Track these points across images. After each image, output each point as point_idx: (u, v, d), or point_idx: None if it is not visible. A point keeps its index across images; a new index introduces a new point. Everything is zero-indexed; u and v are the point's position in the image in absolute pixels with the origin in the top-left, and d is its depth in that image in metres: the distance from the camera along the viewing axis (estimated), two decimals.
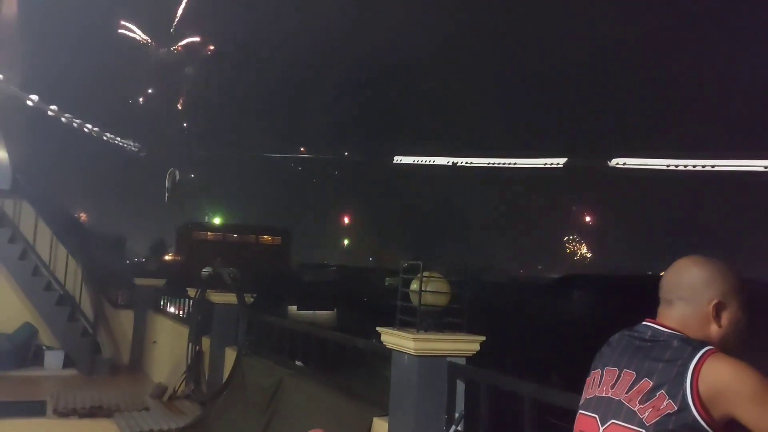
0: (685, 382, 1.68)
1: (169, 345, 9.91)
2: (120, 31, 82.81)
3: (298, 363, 6.40)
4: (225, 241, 65.02)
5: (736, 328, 1.86)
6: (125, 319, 11.71)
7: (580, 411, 1.94)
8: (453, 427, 3.81)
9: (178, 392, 8.37)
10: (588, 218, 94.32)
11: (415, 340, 3.87)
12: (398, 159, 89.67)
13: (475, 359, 4.03)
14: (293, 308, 42.09)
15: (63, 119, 13.90)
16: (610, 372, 1.87)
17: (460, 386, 3.97)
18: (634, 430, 1.72)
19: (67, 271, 11.15)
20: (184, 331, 8.84)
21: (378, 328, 4.21)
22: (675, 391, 1.69)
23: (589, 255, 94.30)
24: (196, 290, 8.52)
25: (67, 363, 10.47)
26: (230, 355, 7.61)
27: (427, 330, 3.94)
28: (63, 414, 7.42)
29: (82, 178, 65.23)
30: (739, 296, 1.86)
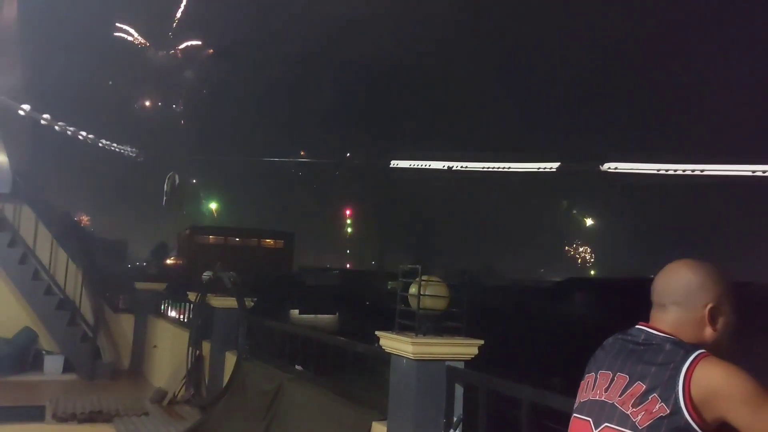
0: (678, 385, 1.68)
1: (169, 349, 9.90)
2: (116, 34, 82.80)
3: (297, 367, 6.40)
4: (227, 245, 65.01)
5: (728, 331, 1.87)
6: (125, 324, 11.71)
7: (574, 414, 1.94)
8: (451, 431, 3.80)
9: (178, 397, 8.36)
10: (585, 221, 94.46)
11: (413, 344, 3.86)
12: (395, 163, 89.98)
13: (476, 363, 4.03)
14: (295, 312, 42.06)
15: (56, 127, 13.86)
16: (604, 375, 1.88)
17: (459, 390, 3.96)
18: None
19: (68, 275, 11.15)
20: (185, 335, 8.83)
21: (377, 332, 4.21)
22: (667, 394, 1.69)
23: (588, 258, 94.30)
24: (196, 294, 8.52)
25: (67, 368, 10.47)
26: (230, 360, 7.60)
27: (425, 334, 3.94)
28: (62, 419, 7.41)
29: (82, 182, 65.30)
30: (731, 299, 1.87)
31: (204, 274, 8.48)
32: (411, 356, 3.89)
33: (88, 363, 10.39)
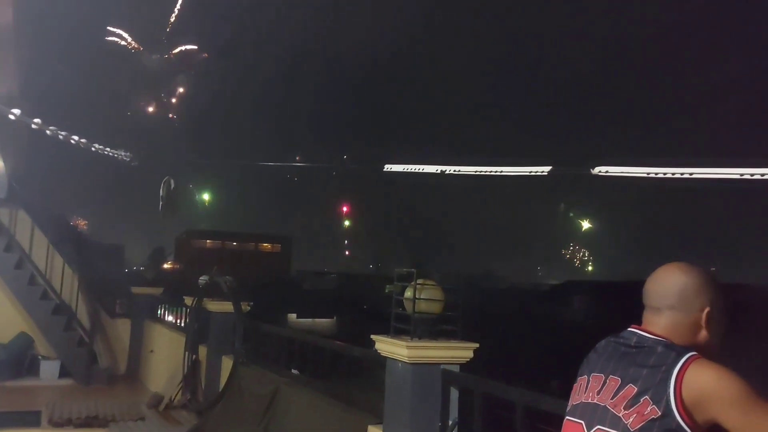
0: (669, 387, 1.69)
1: (166, 354, 9.88)
2: (108, 38, 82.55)
3: (294, 371, 6.39)
4: (224, 249, 64.91)
5: (720, 333, 1.87)
6: (122, 328, 11.69)
7: (567, 417, 1.94)
8: None
9: (174, 402, 8.35)
10: (581, 224, 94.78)
11: (408, 347, 3.86)
12: (389, 167, 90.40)
13: (474, 366, 4.03)
14: (293, 316, 42.01)
15: (48, 132, 13.83)
16: (597, 378, 1.88)
17: (454, 393, 3.96)
18: None
19: (64, 280, 11.13)
20: (182, 339, 8.81)
21: (373, 336, 4.21)
22: (659, 396, 1.69)
23: (585, 260, 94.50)
24: (192, 299, 8.51)
25: (63, 373, 10.44)
26: (227, 364, 7.59)
27: (421, 338, 3.94)
28: (58, 424, 7.39)
29: (79, 187, 65.22)
30: (723, 302, 1.88)
31: (200, 278, 8.46)
32: (406, 360, 3.89)
33: (85, 368, 10.36)
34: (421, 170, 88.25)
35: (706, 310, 1.85)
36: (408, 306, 3.99)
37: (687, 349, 1.77)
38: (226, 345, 7.85)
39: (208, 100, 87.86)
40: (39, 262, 11.20)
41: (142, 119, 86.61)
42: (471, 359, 4.02)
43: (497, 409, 3.66)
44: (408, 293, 4.01)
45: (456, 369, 3.99)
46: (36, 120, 12.81)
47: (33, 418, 7.67)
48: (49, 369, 10.40)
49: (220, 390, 7.30)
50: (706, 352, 1.79)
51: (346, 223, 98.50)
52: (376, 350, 4.22)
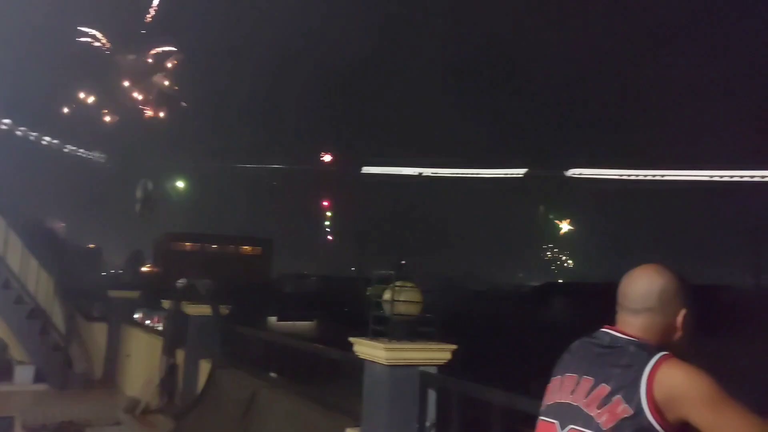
0: (641, 387, 1.70)
1: (143, 358, 9.78)
2: (82, 39, 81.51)
3: (272, 374, 6.36)
4: (204, 252, 64.55)
5: (691, 334, 1.89)
6: (98, 332, 11.54)
7: (541, 417, 1.94)
8: None
9: (151, 406, 8.26)
10: (560, 227, 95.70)
11: (386, 349, 3.85)
12: (368, 170, 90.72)
13: (453, 368, 4.02)
14: (273, 319, 41.82)
15: (18, 133, 13.65)
16: (570, 378, 1.88)
17: (432, 395, 3.95)
18: None
19: (39, 283, 10.97)
20: (159, 343, 8.73)
21: (351, 339, 4.19)
22: (631, 396, 1.70)
23: (564, 262, 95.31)
24: (170, 302, 8.43)
25: (38, 378, 10.27)
26: (205, 368, 7.52)
27: (399, 339, 3.93)
28: (32, 430, 7.28)
29: (55, 189, 64.47)
30: (694, 304, 1.90)
31: (178, 281, 8.39)
32: (384, 362, 3.87)
33: (60, 373, 10.22)
34: (399, 172, 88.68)
35: (683, 312, 1.87)
36: (386, 308, 3.98)
37: (659, 349, 1.78)
38: (204, 348, 7.77)
39: (187, 101, 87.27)
40: (13, 266, 11.02)
41: (119, 120, 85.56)
42: (451, 361, 4.01)
43: (476, 410, 3.66)
44: (386, 295, 4.00)
45: (434, 371, 3.98)
46: (6, 120, 12.63)
47: (6, 424, 7.54)
48: (24, 374, 10.23)
49: (198, 394, 7.23)
50: (678, 353, 1.80)
51: (328, 226, 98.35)
52: (354, 352, 4.20)
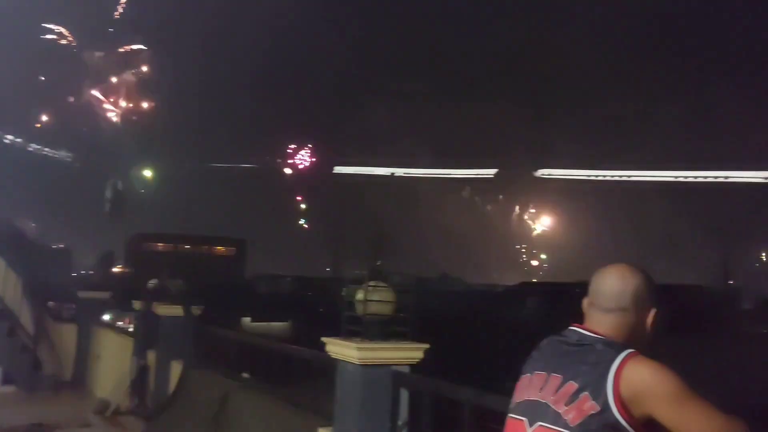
0: (607, 383, 1.72)
1: (113, 359, 9.65)
2: (48, 36, 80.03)
3: (245, 375, 6.32)
4: (177, 253, 63.89)
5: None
6: (68, 334, 11.35)
7: (510, 414, 1.96)
8: None
9: (122, 407, 8.16)
10: (535, 227, 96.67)
11: (359, 349, 3.85)
12: (341, 170, 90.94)
13: (428, 368, 4.02)
14: (247, 320, 41.51)
15: None
16: (539, 376, 1.90)
17: (404, 394, 3.96)
18: (560, 431, 1.74)
19: (6, 284, 10.77)
20: (130, 344, 8.63)
21: (323, 339, 4.18)
22: (598, 392, 1.72)
23: (539, 263, 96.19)
24: (141, 303, 8.34)
25: (6, 380, 10.11)
26: (176, 369, 7.45)
27: (372, 339, 3.93)
28: None
29: (22, 189, 63.32)
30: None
31: (149, 282, 8.31)
32: (357, 361, 3.87)
33: (28, 375, 10.05)
34: (372, 172, 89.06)
35: (654, 311, 1.90)
36: (359, 308, 3.98)
37: (625, 347, 1.80)
38: (176, 349, 7.70)
39: (156, 98, 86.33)
40: None
41: (86, 118, 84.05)
42: (426, 361, 4.02)
43: (448, 409, 3.67)
44: (359, 295, 4.00)
45: (407, 370, 3.99)
46: None
47: None
48: None
49: (169, 395, 7.16)
50: (645, 351, 1.83)
51: (303, 225, 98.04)
52: (327, 353, 4.19)
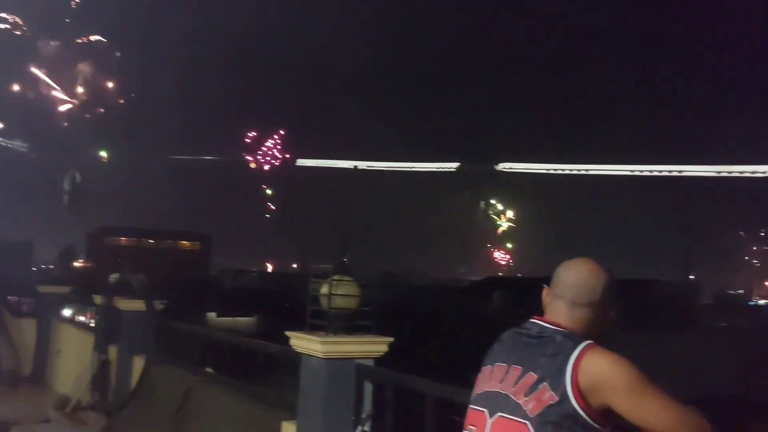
0: (566, 374, 1.75)
1: (74, 354, 9.48)
2: (1, 25, 77.84)
3: (208, 370, 6.26)
4: (140, 247, 62.97)
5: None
6: (27, 329, 11.11)
7: (470, 406, 1.97)
8: (360, 428, 3.81)
9: (82, 403, 8.01)
10: (501, 222, 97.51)
11: (323, 343, 3.84)
12: (303, 162, 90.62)
13: (395, 361, 4.03)
14: (212, 315, 41.14)
15: None
16: (500, 367, 1.92)
17: (368, 387, 3.97)
18: (519, 422, 1.77)
19: None
20: (91, 340, 8.48)
21: (287, 333, 4.16)
22: (556, 383, 1.75)
23: (505, 257, 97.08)
24: (102, 297, 8.20)
25: None
26: (138, 364, 7.35)
27: (336, 333, 3.93)
28: None
29: None
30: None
31: (111, 276, 8.18)
32: (321, 355, 3.87)
33: None
34: (334, 165, 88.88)
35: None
36: (324, 302, 3.98)
37: (583, 338, 1.83)
38: (138, 344, 7.60)
39: (118, 90, 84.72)
40: None
41: (42, 109, 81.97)
42: (392, 355, 4.03)
43: (412, 401, 3.69)
44: (324, 289, 4.00)
45: (371, 363, 4.00)
46: None
47: None
48: None
49: (131, 390, 7.07)
50: (603, 343, 1.86)
51: (270, 220, 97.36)
52: (291, 347, 4.18)
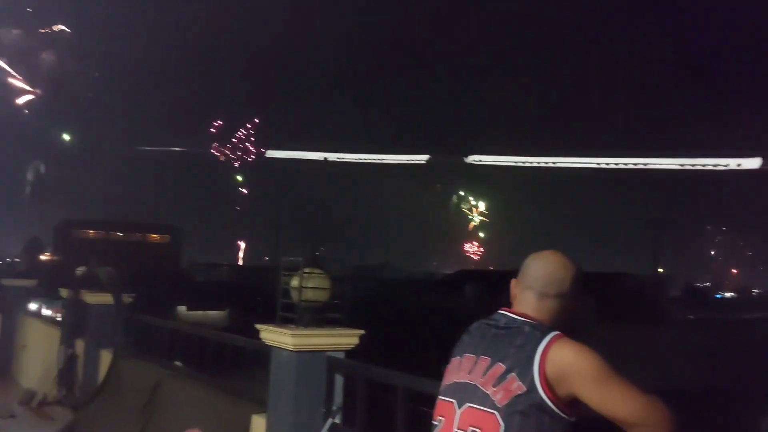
0: (534, 365, 1.77)
1: (40, 349, 9.32)
2: None
3: (177, 364, 6.20)
4: (108, 240, 62.00)
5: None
6: None
7: (439, 397, 1.99)
8: (330, 420, 3.80)
9: (48, 397, 7.89)
10: (473, 216, 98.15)
11: (293, 335, 3.83)
12: (273, 153, 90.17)
13: (367, 355, 4.03)
14: (183, 309, 40.77)
15: None
16: (469, 359, 1.93)
17: (339, 380, 3.97)
18: (488, 411, 1.78)
19: None
20: (58, 334, 8.34)
21: (257, 326, 4.14)
22: (524, 373, 1.77)
23: (477, 250, 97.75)
24: (69, 291, 8.07)
25: None
26: (106, 358, 7.26)
27: (306, 326, 3.91)
28: None
29: None
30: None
31: (77, 269, 8.05)
32: (291, 348, 3.85)
33: None
34: (304, 157, 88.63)
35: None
36: (294, 294, 3.96)
37: (551, 329, 1.86)
38: (106, 338, 7.49)
39: (82, 80, 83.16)
40: None
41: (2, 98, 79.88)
42: (364, 347, 4.03)
43: (382, 393, 3.70)
44: (294, 282, 3.98)
45: (341, 356, 4.00)
46: None
47: None
48: None
49: (99, 384, 6.97)
50: (571, 335, 1.88)
51: (241, 213, 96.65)
52: (261, 340, 4.15)
